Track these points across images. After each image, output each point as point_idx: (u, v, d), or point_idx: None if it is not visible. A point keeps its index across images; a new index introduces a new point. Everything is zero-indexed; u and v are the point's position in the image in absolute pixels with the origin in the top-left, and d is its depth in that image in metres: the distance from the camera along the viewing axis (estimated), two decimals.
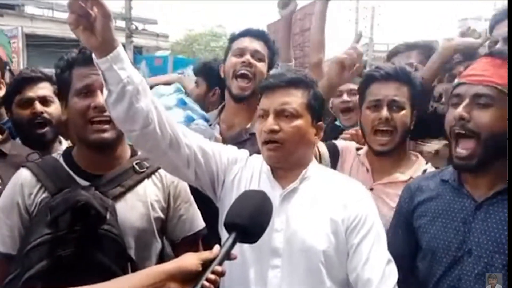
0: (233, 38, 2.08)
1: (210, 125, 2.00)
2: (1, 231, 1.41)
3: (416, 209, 1.50)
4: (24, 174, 1.44)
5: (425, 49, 2.27)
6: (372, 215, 1.39)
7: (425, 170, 1.72)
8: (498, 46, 1.78)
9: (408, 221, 1.51)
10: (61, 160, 1.48)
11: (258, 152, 1.49)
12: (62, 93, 1.48)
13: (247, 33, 2.05)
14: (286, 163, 1.42)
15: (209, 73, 2.57)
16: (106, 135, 1.40)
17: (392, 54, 2.44)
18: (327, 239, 1.34)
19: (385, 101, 1.70)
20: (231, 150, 1.56)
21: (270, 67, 2.06)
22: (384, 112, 1.69)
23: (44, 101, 2.01)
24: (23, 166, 1.47)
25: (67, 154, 1.50)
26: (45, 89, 2.02)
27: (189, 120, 1.70)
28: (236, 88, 1.97)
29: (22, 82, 2.01)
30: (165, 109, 1.60)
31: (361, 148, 1.89)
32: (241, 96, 1.98)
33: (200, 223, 1.63)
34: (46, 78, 2.04)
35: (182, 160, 1.38)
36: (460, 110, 1.32)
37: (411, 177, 1.70)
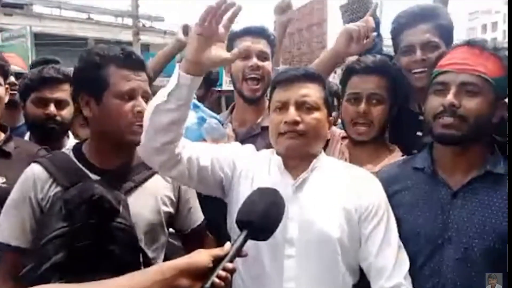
0: (234, 37, 2.05)
1: (222, 124, 2.02)
2: (12, 225, 1.43)
3: (392, 199, 1.49)
4: (35, 169, 1.45)
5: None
6: (383, 203, 1.41)
7: None
8: (418, 52, 1.75)
9: None
10: (71, 155, 1.50)
11: (269, 146, 1.50)
12: (92, 89, 1.44)
13: (249, 31, 2.04)
14: (302, 153, 1.43)
15: (206, 76, 2.60)
16: (139, 137, 1.41)
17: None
18: (341, 227, 1.36)
19: (364, 94, 1.71)
20: (235, 147, 1.57)
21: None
22: (362, 106, 1.70)
23: (59, 103, 1.98)
24: (34, 161, 1.49)
25: (77, 149, 1.52)
26: (64, 92, 1.97)
27: (202, 121, 1.72)
28: (248, 90, 2.00)
29: (42, 81, 1.98)
30: None
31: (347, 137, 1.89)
32: (253, 98, 2.01)
33: (202, 214, 1.68)
34: (67, 79, 1.97)
35: (183, 174, 1.39)
36: (450, 97, 1.35)
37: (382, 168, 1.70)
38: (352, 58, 1.97)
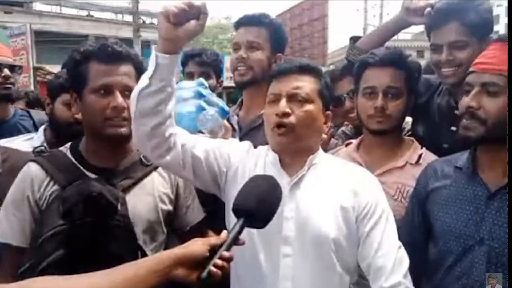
0: (235, 27, 2.11)
1: (228, 117, 2.01)
2: (12, 225, 1.42)
3: (430, 195, 1.49)
4: (33, 168, 1.45)
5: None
6: (381, 202, 1.39)
7: (420, 155, 1.71)
8: (444, 52, 1.73)
9: (423, 206, 1.51)
10: (69, 154, 1.49)
11: None
12: (75, 86, 1.47)
13: (242, 22, 2.05)
14: (295, 148, 1.41)
15: (215, 65, 2.67)
16: (123, 130, 1.42)
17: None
18: (338, 226, 1.34)
19: (380, 88, 1.67)
20: (231, 143, 1.56)
21: (278, 47, 2.05)
22: (379, 101, 1.66)
23: None
24: (31, 160, 1.48)
25: (74, 148, 1.51)
26: None
27: (199, 109, 1.70)
28: (237, 76, 2.05)
29: None
30: (180, 101, 1.65)
31: (350, 143, 1.87)
32: (242, 82, 2.04)
33: (202, 212, 1.66)
34: None
35: (176, 162, 1.38)
36: (468, 99, 1.33)
37: (407, 162, 1.69)
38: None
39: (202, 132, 1.76)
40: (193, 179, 1.45)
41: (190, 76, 2.56)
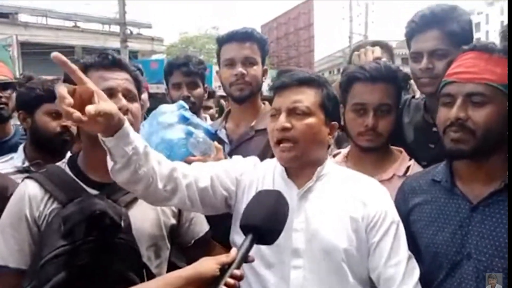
0: (221, 42, 2.09)
1: (216, 131, 2.02)
2: (9, 245, 1.36)
3: (411, 213, 1.47)
4: (30, 186, 1.39)
5: (387, 48, 2.24)
6: (391, 211, 1.38)
7: (408, 167, 1.69)
8: (424, 60, 1.72)
9: (405, 225, 1.45)
10: (67, 169, 1.45)
11: (265, 148, 1.48)
12: None
13: (234, 37, 2.04)
14: (300, 162, 1.40)
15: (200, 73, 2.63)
16: None
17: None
18: (348, 237, 1.34)
19: (371, 106, 1.63)
20: (237, 162, 1.55)
21: (264, 60, 2.10)
22: (370, 120, 1.62)
23: None
24: (27, 177, 1.44)
25: (72, 162, 1.47)
26: None
27: (188, 134, 1.72)
28: (235, 91, 2.04)
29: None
30: (166, 126, 1.64)
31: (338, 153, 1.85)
32: (242, 96, 2.05)
33: (206, 224, 1.64)
34: None
35: (183, 202, 1.37)
36: (455, 110, 1.30)
37: (394, 175, 1.68)
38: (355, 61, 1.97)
39: (194, 155, 1.76)
40: (203, 210, 1.46)
41: (177, 87, 2.53)
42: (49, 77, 2.07)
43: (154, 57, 17.37)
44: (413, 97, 2.05)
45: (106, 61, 1.41)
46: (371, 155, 1.71)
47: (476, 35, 1.97)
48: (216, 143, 1.85)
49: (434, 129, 1.57)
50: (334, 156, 1.86)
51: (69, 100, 1.04)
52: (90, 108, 1.05)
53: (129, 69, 1.46)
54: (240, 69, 2.00)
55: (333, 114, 1.45)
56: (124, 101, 1.38)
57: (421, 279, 1.37)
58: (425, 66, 1.72)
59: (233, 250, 1.07)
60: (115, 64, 1.42)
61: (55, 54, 1.08)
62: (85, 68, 1.40)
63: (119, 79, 1.41)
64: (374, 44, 2.33)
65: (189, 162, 1.50)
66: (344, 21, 26.04)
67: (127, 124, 1.18)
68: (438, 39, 1.70)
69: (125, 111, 1.36)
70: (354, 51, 2.36)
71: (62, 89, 1.05)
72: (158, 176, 1.29)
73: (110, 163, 1.21)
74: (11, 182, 1.67)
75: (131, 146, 1.19)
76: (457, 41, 1.66)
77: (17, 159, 1.98)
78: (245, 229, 1.11)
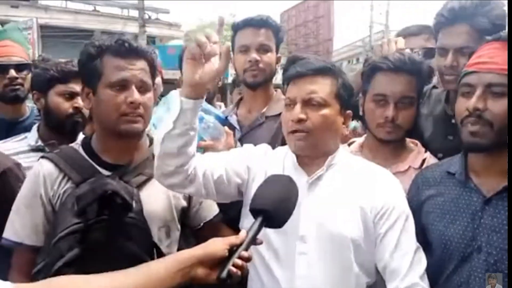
0: (236, 28, 2.09)
1: (227, 117, 2.03)
2: (25, 223, 1.41)
3: (424, 205, 1.46)
4: (45, 165, 1.43)
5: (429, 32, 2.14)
6: (400, 203, 1.38)
7: (424, 159, 1.66)
8: (449, 57, 1.66)
9: (417, 216, 1.46)
10: (81, 150, 1.47)
11: (275, 134, 1.48)
12: (88, 81, 1.44)
13: (249, 23, 2.04)
14: (314, 151, 1.41)
15: None
16: (137, 126, 1.41)
17: (407, 35, 2.29)
18: (356, 226, 1.34)
19: (392, 98, 1.60)
20: (248, 150, 1.55)
21: (278, 48, 2.10)
22: (391, 112, 1.59)
23: None
24: (43, 157, 1.47)
25: (86, 144, 1.50)
26: None
27: (200, 121, 1.73)
28: (249, 77, 2.04)
29: (70, 74, 1.94)
30: None
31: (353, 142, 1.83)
32: (256, 83, 2.05)
33: (216, 207, 1.65)
34: None
35: (199, 191, 1.39)
36: (474, 100, 1.27)
37: (409, 167, 1.65)
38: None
39: (204, 140, 1.79)
40: (217, 198, 1.48)
41: None
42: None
43: (171, 42, 17.40)
44: (434, 86, 1.99)
45: (123, 48, 1.40)
46: (387, 147, 1.69)
47: None
48: (226, 128, 1.85)
49: (453, 120, 1.53)
50: (349, 144, 1.83)
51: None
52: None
53: (146, 55, 1.45)
54: (254, 55, 2.00)
55: (348, 103, 1.45)
56: (136, 95, 1.38)
57: (431, 270, 1.37)
58: (450, 63, 1.67)
59: (242, 232, 1.09)
60: (132, 52, 1.42)
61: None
62: (101, 51, 1.40)
63: (135, 69, 1.40)
64: (421, 29, 2.25)
65: (199, 147, 1.50)
66: (365, 10, 25.66)
67: (203, 99, 1.29)
68: (466, 36, 1.63)
69: (137, 105, 1.38)
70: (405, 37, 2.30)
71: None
72: (192, 161, 1.32)
73: (168, 127, 1.26)
74: (4, 159, 1.69)
75: (195, 120, 1.27)
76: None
77: (31, 138, 2.00)
78: (254, 212, 1.13)
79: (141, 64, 1.43)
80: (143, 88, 1.41)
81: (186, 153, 1.29)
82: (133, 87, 1.39)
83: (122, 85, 1.38)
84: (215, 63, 1.25)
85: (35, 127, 2.07)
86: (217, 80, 2.59)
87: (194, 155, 1.33)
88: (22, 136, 2.05)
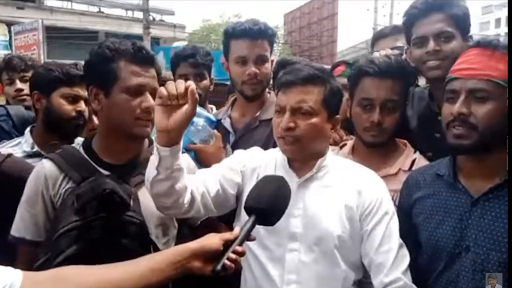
0: (230, 36, 2.03)
1: (219, 120, 2.05)
2: (26, 220, 1.47)
3: (414, 206, 1.50)
4: (46, 166, 1.48)
5: None
6: (385, 201, 1.43)
7: (414, 160, 1.69)
8: (431, 43, 1.70)
9: (408, 217, 1.51)
10: (81, 150, 1.52)
11: (268, 138, 1.51)
12: (100, 83, 1.45)
13: (246, 34, 1.98)
14: (302, 155, 1.46)
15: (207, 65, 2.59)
16: (148, 129, 1.45)
17: (379, 37, 2.39)
18: (342, 224, 1.40)
19: (378, 102, 1.62)
20: (239, 156, 1.59)
21: (271, 52, 2.08)
22: (376, 116, 1.62)
23: (86, 101, 1.92)
24: (45, 158, 1.52)
25: (86, 144, 1.54)
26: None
27: (190, 123, 1.76)
28: (247, 90, 2.03)
29: (76, 77, 1.92)
30: None
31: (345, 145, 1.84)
32: (254, 95, 2.05)
33: None
34: None
35: (198, 211, 1.43)
36: (458, 106, 1.31)
37: (399, 169, 1.68)
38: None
39: (194, 143, 1.80)
40: (217, 212, 1.52)
41: (184, 78, 2.34)
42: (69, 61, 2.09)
43: (176, 44, 17.46)
44: (417, 85, 2.00)
45: (140, 55, 1.44)
46: (376, 150, 1.71)
47: (497, 31, 1.93)
48: (216, 131, 1.87)
49: (439, 117, 1.55)
50: (341, 147, 1.86)
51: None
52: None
53: (157, 65, 1.51)
54: (253, 68, 1.98)
55: (336, 108, 1.49)
56: (151, 101, 1.41)
57: (422, 269, 1.41)
58: (432, 49, 1.69)
59: (237, 229, 1.15)
60: (148, 60, 1.46)
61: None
62: (117, 55, 1.43)
63: (149, 76, 1.45)
64: (391, 30, 2.33)
65: (189, 150, 1.53)
66: (369, 12, 25.65)
67: (181, 142, 1.28)
68: (443, 22, 1.69)
69: (151, 110, 1.40)
70: (377, 39, 2.36)
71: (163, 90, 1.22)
72: (187, 193, 1.36)
73: (152, 173, 1.28)
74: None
75: (178, 161, 1.28)
76: (460, 25, 1.69)
77: (25, 143, 1.98)
78: (249, 210, 1.18)
79: (153, 71, 1.48)
80: (153, 95, 1.44)
81: (176, 190, 1.31)
82: (147, 93, 1.43)
83: (138, 90, 1.43)
84: (183, 107, 1.24)
85: (27, 131, 2.03)
86: (208, 84, 2.56)
87: (187, 188, 1.35)
88: (16, 141, 2.03)
